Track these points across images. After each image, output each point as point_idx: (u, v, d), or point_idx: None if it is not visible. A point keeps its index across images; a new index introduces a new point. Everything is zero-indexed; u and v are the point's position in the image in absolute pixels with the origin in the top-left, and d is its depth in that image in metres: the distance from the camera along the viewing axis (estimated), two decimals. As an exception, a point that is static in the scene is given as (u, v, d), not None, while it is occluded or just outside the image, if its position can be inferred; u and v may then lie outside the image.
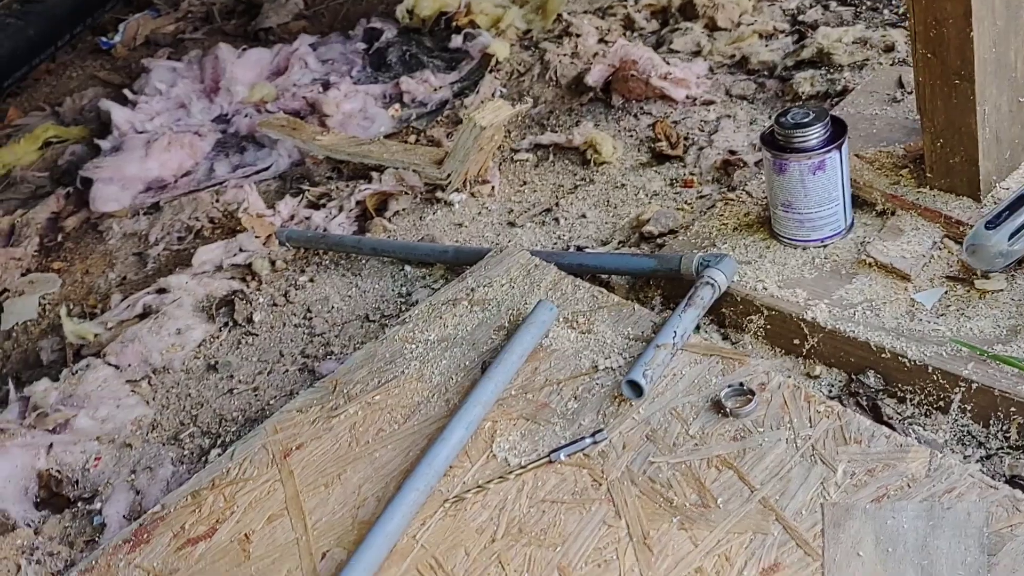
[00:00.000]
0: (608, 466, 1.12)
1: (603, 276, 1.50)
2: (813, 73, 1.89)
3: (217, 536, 1.17)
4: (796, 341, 1.28)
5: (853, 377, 1.23)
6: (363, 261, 1.74)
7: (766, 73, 1.98)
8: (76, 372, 1.59)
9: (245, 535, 1.17)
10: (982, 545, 0.93)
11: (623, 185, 1.77)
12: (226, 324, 1.67)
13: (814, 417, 1.11)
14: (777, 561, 0.98)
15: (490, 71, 2.23)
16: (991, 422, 1.12)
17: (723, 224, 1.47)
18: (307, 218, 1.89)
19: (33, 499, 1.40)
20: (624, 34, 2.26)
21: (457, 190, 1.85)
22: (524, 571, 1.03)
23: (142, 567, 1.16)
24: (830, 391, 1.23)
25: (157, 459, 1.42)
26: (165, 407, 1.53)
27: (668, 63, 2.01)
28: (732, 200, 1.51)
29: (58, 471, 1.42)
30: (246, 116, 2.24)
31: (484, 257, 1.52)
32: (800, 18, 2.13)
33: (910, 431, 1.15)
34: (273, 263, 1.78)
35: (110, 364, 1.59)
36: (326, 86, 2.30)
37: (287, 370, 1.54)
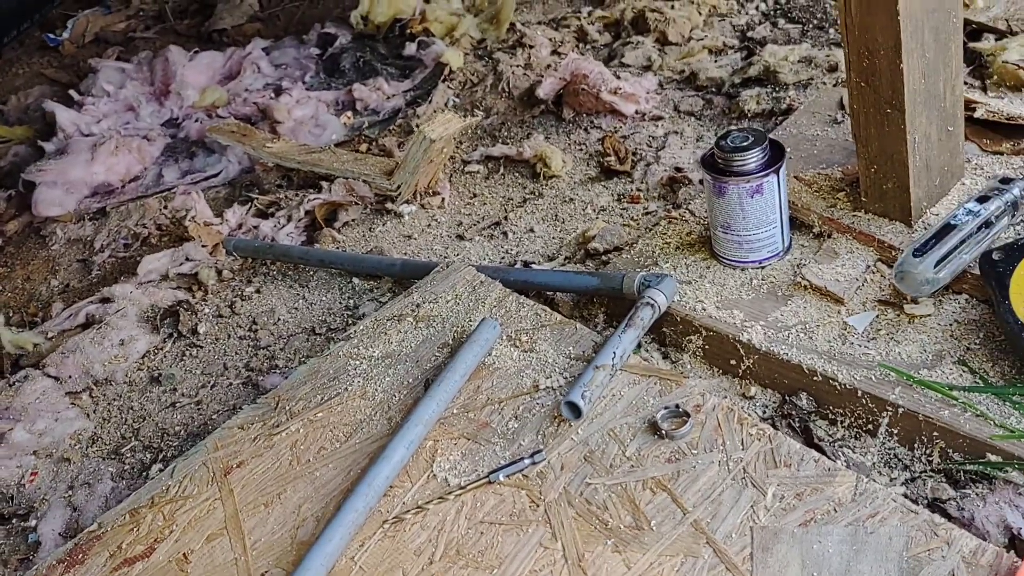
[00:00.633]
0: (546, 487, 1.14)
1: (548, 293, 1.52)
2: (759, 91, 1.93)
3: (155, 556, 1.17)
4: (733, 362, 1.31)
5: (786, 398, 1.26)
6: (311, 272, 1.73)
7: (714, 89, 2.01)
8: (13, 384, 1.56)
9: (183, 555, 1.16)
10: (901, 569, 0.97)
11: (571, 199, 1.79)
12: (171, 335, 1.66)
13: (746, 440, 1.14)
14: (706, 583, 1.00)
15: (443, 80, 2.24)
16: (915, 445, 1.15)
17: (666, 243, 1.49)
18: (255, 227, 1.88)
19: (-34, 515, 1.38)
20: (577, 46, 2.28)
21: (407, 202, 1.86)
22: (460, 593, 1.05)
23: (77, 587, 1.15)
24: (764, 412, 1.26)
25: (96, 474, 1.41)
26: (106, 420, 1.51)
27: (619, 77, 2.04)
28: (676, 219, 1.54)
29: (-6, 486, 1.40)
30: (196, 121, 2.22)
31: (431, 272, 1.52)
32: (749, 34, 2.17)
33: (840, 453, 1.18)
34: (220, 273, 1.77)
35: (50, 375, 1.57)
36: (278, 92, 2.29)
37: (231, 383, 1.54)
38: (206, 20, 2.86)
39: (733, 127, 1.65)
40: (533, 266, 1.63)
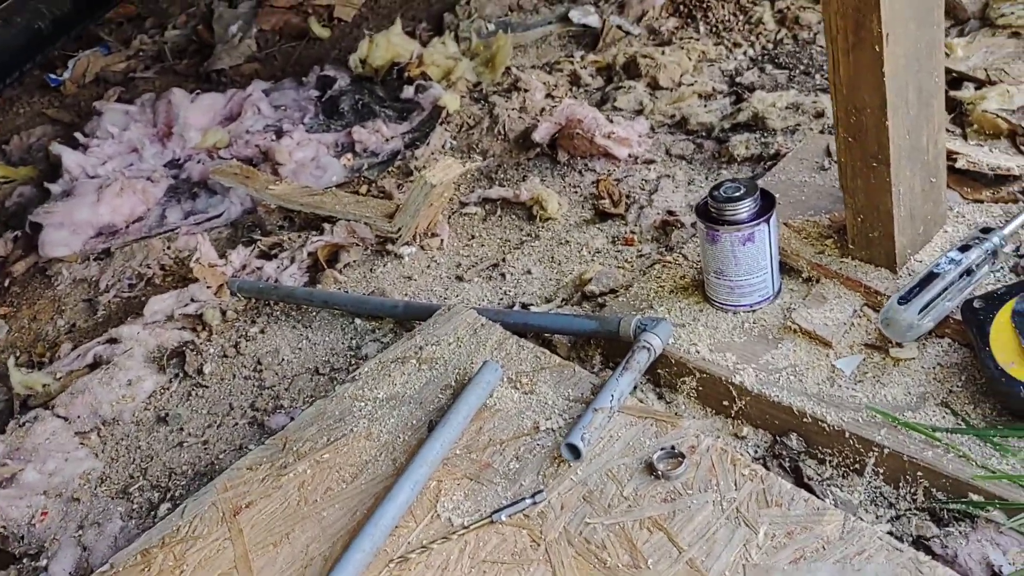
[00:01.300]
0: (546, 527, 1.18)
1: (546, 335, 1.56)
2: (748, 136, 1.99)
3: (166, 595, 1.20)
4: (725, 403, 1.36)
5: (777, 439, 1.31)
6: (314, 313, 1.78)
7: (704, 134, 2.07)
8: (24, 424, 1.60)
9: (194, 594, 1.19)
10: (889, 606, 1.01)
11: (567, 242, 1.85)
12: (177, 375, 1.69)
13: (739, 480, 1.18)
14: (703, 621, 1.04)
15: (441, 123, 2.30)
16: (900, 485, 1.20)
17: (660, 286, 1.54)
18: (259, 268, 1.92)
19: (-23, 555, 1.41)
20: (570, 90, 2.35)
21: (407, 243, 1.91)
22: (466, 631, 1.08)
23: (91, 627, 1.18)
24: (756, 452, 1.31)
25: (105, 514, 1.44)
26: (114, 460, 1.55)
27: (612, 121, 2.10)
28: (669, 263, 1.59)
29: (3, 526, 1.43)
30: (199, 162, 2.27)
31: (433, 314, 1.57)
32: (738, 79, 2.24)
33: (828, 492, 1.23)
34: (224, 313, 1.81)
35: (59, 416, 1.60)
36: (279, 133, 2.34)
37: (236, 423, 1.57)
38: (205, 60, 2.93)
39: (726, 177, 1.70)
40: (531, 308, 1.68)
